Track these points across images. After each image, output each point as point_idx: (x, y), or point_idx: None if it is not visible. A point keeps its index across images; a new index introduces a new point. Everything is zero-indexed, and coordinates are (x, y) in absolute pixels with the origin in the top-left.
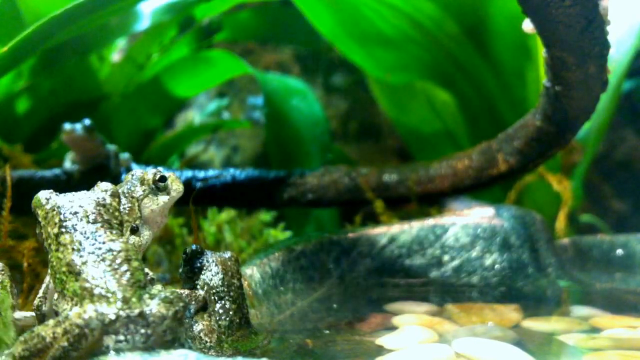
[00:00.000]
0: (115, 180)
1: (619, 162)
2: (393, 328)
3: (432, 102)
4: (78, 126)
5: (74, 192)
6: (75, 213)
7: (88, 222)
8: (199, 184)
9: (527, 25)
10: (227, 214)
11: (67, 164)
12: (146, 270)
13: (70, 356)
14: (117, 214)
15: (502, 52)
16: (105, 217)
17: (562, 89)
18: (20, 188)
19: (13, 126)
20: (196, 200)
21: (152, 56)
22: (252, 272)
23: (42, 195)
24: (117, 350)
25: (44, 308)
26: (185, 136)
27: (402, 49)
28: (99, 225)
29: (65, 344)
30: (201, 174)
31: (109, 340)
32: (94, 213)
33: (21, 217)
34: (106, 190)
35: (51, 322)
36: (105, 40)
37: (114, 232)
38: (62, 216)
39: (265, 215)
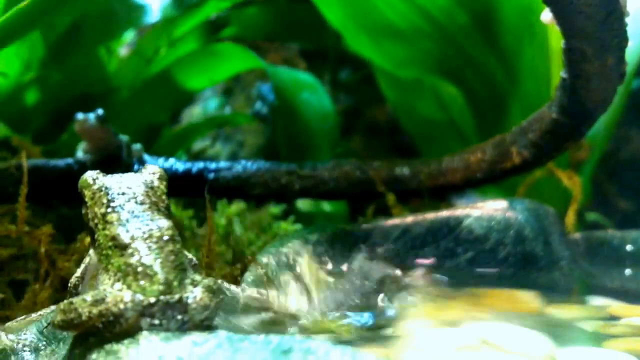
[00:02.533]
0: (127, 171)
1: (625, 161)
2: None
3: (440, 97)
4: (91, 116)
5: (121, 174)
6: (123, 194)
7: (136, 202)
8: (211, 175)
9: (546, 16)
10: (237, 206)
11: (80, 154)
12: (188, 255)
13: (103, 335)
14: (164, 197)
15: (512, 45)
16: (153, 199)
17: (579, 80)
18: (33, 177)
19: (22, 118)
20: (208, 191)
21: (160, 50)
22: (267, 260)
23: (89, 175)
24: (150, 331)
25: (81, 288)
26: (191, 131)
27: (412, 42)
28: (146, 206)
29: (100, 325)
30: (212, 165)
31: (144, 323)
32: (142, 195)
33: (31, 207)
34: (154, 173)
35: (90, 297)
36: (113, 32)
37: (161, 213)
38: (109, 196)
39: (274, 208)
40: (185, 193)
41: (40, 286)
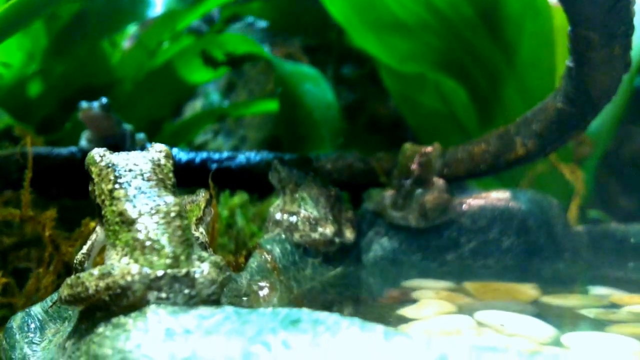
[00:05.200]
0: None
1: (627, 158)
2: (412, 301)
3: (442, 92)
4: (95, 104)
5: (127, 152)
6: (130, 170)
7: (143, 179)
8: (214, 166)
9: None
10: (240, 198)
11: (83, 143)
12: (195, 233)
13: (110, 309)
14: (170, 175)
15: (516, 38)
16: (160, 176)
17: (585, 68)
18: (37, 165)
19: (25, 109)
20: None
21: (163, 43)
22: (272, 248)
23: (96, 152)
24: (157, 304)
25: (86, 265)
26: (193, 124)
27: (417, 37)
28: (153, 183)
29: (107, 299)
30: (216, 155)
31: (151, 296)
32: (149, 172)
33: (34, 198)
34: (161, 151)
35: (97, 271)
36: (117, 25)
37: (168, 190)
38: (116, 173)
39: (277, 200)
40: (188, 183)
41: (44, 271)
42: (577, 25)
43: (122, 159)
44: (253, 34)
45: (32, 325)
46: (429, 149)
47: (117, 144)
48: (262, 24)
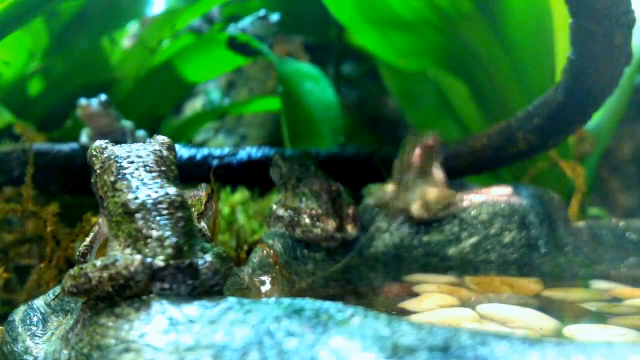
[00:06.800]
0: None
1: (628, 156)
2: (414, 295)
3: (443, 90)
4: (94, 101)
5: (130, 144)
6: (133, 162)
7: (145, 171)
8: (215, 162)
9: None
10: (241, 195)
11: (84, 139)
12: (198, 225)
13: (113, 300)
14: (172, 166)
15: (518, 36)
16: (162, 168)
17: (587, 60)
18: (38, 161)
19: (26, 107)
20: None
21: (164, 41)
22: (273, 243)
23: (99, 144)
24: (160, 295)
25: (89, 257)
26: (193, 122)
27: (418, 33)
28: (155, 174)
29: (110, 289)
30: (217, 151)
31: (154, 286)
32: (151, 163)
33: (35, 196)
34: (163, 143)
35: (99, 262)
36: (117, 23)
37: (170, 181)
38: (119, 165)
39: (278, 196)
40: (189, 179)
41: (45, 266)
42: (578, 16)
43: (125, 151)
44: (266, 28)
45: (35, 318)
46: (429, 140)
47: (117, 140)
48: (275, 16)
